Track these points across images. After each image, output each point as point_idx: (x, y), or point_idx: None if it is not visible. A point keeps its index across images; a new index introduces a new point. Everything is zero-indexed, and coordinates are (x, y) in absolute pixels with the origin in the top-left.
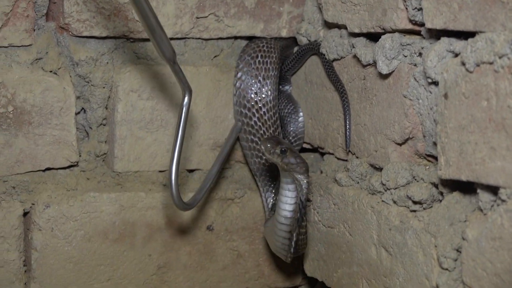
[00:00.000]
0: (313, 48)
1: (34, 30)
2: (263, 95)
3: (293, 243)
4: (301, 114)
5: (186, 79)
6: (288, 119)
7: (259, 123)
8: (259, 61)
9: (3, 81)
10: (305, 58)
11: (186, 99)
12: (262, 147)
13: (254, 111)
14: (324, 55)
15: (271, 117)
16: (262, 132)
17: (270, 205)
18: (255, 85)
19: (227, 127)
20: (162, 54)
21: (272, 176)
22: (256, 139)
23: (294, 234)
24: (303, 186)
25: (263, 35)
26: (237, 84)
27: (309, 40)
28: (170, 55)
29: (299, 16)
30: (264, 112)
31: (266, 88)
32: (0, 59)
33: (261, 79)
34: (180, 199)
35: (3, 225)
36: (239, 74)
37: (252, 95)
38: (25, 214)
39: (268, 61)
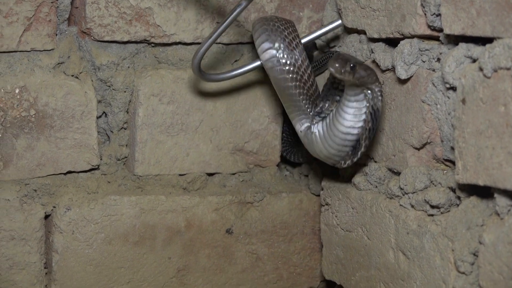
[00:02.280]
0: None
1: (56, 35)
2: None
3: (359, 152)
4: None
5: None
6: None
7: (303, 81)
8: (288, 32)
9: (26, 85)
10: (325, 67)
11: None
12: (332, 69)
13: (296, 71)
14: None
15: (310, 74)
16: (305, 78)
17: (317, 109)
18: (293, 52)
19: (247, 131)
20: None
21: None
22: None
23: (363, 143)
24: (378, 94)
25: None
26: (278, 54)
27: (328, 45)
28: None
29: (319, 21)
30: (303, 70)
31: (298, 50)
32: (23, 63)
33: (295, 45)
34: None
35: (25, 228)
36: (276, 45)
37: (293, 60)
38: (47, 216)
39: (292, 30)
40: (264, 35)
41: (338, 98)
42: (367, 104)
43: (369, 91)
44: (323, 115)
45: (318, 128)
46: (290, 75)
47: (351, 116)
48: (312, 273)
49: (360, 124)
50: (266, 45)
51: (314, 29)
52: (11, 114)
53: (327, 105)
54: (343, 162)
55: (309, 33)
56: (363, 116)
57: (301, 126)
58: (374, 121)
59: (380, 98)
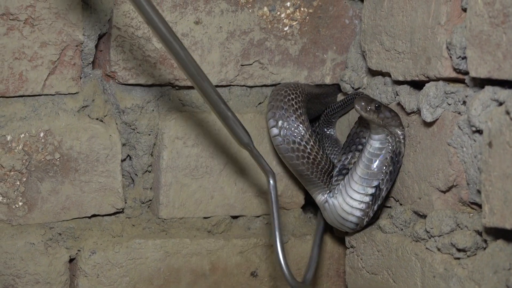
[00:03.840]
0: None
1: (80, 78)
2: (306, 134)
3: (380, 197)
4: None
5: (266, 162)
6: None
7: (311, 157)
8: (294, 109)
9: (50, 128)
10: (350, 106)
11: (271, 182)
12: (357, 107)
13: (302, 149)
14: None
15: (318, 150)
16: (316, 163)
17: (336, 170)
18: (297, 129)
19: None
20: (239, 141)
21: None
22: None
23: (384, 188)
24: (401, 138)
25: (307, 82)
26: (281, 132)
27: (352, 87)
28: (247, 140)
29: (343, 63)
30: (310, 146)
31: (304, 126)
32: (47, 106)
33: (300, 122)
34: (294, 278)
35: (49, 271)
36: (279, 123)
37: (298, 138)
38: (71, 260)
39: (301, 105)
40: (270, 112)
41: (360, 147)
42: (389, 149)
43: (392, 137)
44: (344, 171)
45: (338, 189)
46: (296, 153)
47: (373, 160)
48: None
49: (382, 169)
50: (271, 122)
51: (338, 71)
52: (36, 158)
53: (349, 157)
54: (365, 217)
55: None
56: (385, 161)
57: (319, 198)
58: (396, 164)
59: (402, 142)
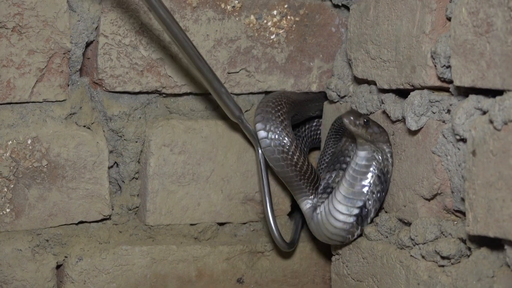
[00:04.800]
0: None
1: (68, 86)
2: (292, 144)
3: (368, 218)
4: None
5: (256, 133)
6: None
7: (297, 168)
8: (281, 119)
9: (38, 135)
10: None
11: (260, 151)
12: (346, 121)
13: (289, 158)
14: None
15: (305, 159)
16: (297, 159)
17: (321, 188)
18: (284, 139)
19: (257, 181)
20: (231, 114)
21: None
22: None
23: (373, 209)
24: (388, 155)
25: (293, 90)
26: (267, 142)
27: (338, 95)
28: (239, 113)
29: (329, 71)
30: (293, 151)
31: (290, 136)
32: (35, 114)
33: (287, 132)
34: (283, 240)
35: (37, 278)
36: (269, 135)
37: (284, 148)
38: (58, 266)
39: (286, 116)
40: (259, 116)
41: (344, 166)
42: (375, 167)
43: (379, 154)
44: (329, 189)
45: (322, 207)
46: (281, 155)
47: (358, 179)
48: None
49: (366, 189)
50: (259, 125)
51: (324, 79)
52: (23, 165)
53: (333, 175)
54: (350, 236)
55: None
56: (370, 180)
57: (305, 206)
58: (384, 184)
59: (390, 160)
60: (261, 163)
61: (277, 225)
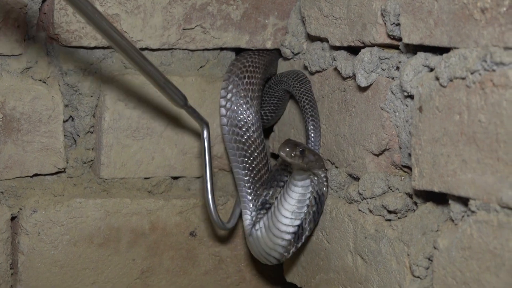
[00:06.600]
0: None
1: (24, 40)
2: (252, 114)
3: (303, 236)
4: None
5: (200, 115)
6: None
7: (249, 141)
8: (246, 82)
9: None
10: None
11: (205, 132)
12: (282, 154)
13: (245, 129)
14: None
15: (259, 135)
16: (252, 148)
17: (261, 200)
18: (245, 105)
19: (212, 136)
20: (175, 103)
21: (260, 183)
22: (248, 154)
23: (308, 227)
24: (324, 180)
25: (248, 47)
26: (227, 104)
27: (292, 52)
28: (182, 101)
29: (284, 29)
30: (254, 130)
31: (254, 108)
32: None
33: (249, 100)
34: (221, 221)
35: None
36: (228, 95)
37: (243, 115)
38: (13, 218)
39: (254, 82)
40: (224, 82)
41: (282, 184)
42: (312, 190)
43: (315, 177)
44: (267, 205)
45: (262, 223)
46: (236, 130)
47: (296, 201)
48: (274, 275)
49: (304, 209)
50: (222, 92)
51: (279, 36)
52: None
53: (271, 192)
54: (286, 254)
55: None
56: (307, 201)
57: (245, 220)
58: (319, 205)
59: (325, 183)
60: (205, 145)
61: (216, 208)
